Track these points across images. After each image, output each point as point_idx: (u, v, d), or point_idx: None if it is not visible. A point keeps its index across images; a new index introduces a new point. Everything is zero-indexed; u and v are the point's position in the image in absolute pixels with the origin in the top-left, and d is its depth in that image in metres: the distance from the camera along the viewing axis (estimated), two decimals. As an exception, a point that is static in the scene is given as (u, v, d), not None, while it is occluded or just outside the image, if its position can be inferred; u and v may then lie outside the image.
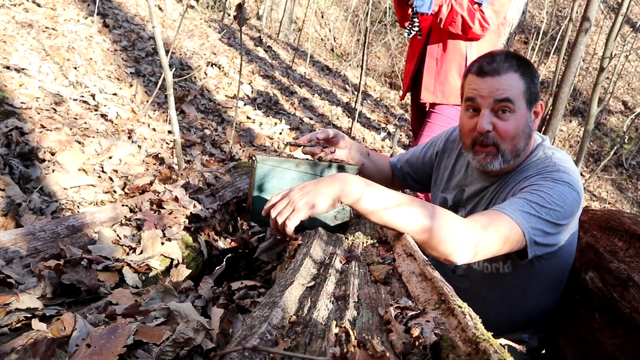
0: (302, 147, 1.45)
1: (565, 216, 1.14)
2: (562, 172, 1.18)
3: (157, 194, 1.52)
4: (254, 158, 1.33)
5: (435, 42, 2.49)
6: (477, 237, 1.02)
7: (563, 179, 1.16)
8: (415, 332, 0.55)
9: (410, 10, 2.37)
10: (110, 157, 2.32)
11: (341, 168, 1.37)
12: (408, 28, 2.44)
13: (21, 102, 2.49)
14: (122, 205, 1.43)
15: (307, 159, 1.39)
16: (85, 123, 2.65)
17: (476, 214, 1.12)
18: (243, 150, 3.47)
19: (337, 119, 5.87)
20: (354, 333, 0.53)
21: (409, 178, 1.69)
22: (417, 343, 0.53)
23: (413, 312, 0.60)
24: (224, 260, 1.24)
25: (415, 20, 2.42)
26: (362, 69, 3.76)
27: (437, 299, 0.63)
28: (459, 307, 0.58)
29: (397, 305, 0.62)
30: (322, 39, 12.50)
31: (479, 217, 1.07)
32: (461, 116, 1.33)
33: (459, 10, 2.30)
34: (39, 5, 4.20)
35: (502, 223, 1.05)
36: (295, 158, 1.40)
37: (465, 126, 1.30)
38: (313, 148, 1.43)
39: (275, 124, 4.52)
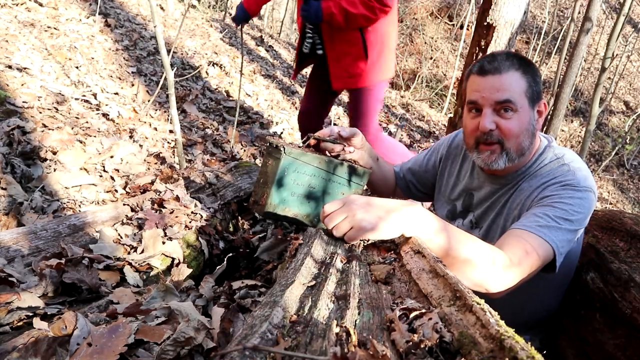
0: (323, 141, 1.38)
1: (584, 219, 1.17)
2: (578, 176, 1.19)
3: (158, 193, 1.52)
4: (279, 147, 1.23)
5: (330, 29, 2.40)
6: (520, 273, 1.06)
7: (581, 184, 1.18)
8: (420, 331, 0.55)
9: (301, 23, 2.32)
10: (111, 157, 2.32)
11: (352, 169, 1.35)
12: (307, 45, 2.39)
13: (23, 102, 2.50)
14: (124, 204, 1.43)
15: (324, 154, 1.35)
16: (87, 122, 2.65)
17: (510, 238, 1.11)
18: (244, 150, 3.47)
19: (339, 118, 5.87)
20: (354, 333, 0.53)
21: (413, 187, 1.67)
22: (421, 342, 0.53)
23: (417, 312, 0.60)
24: (225, 259, 1.24)
25: (309, 33, 2.36)
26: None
27: (452, 295, 0.63)
28: (478, 303, 0.57)
29: (402, 307, 0.62)
30: (323, 38, 12.47)
31: (515, 249, 1.07)
32: (464, 117, 1.32)
33: (356, 11, 2.24)
34: (41, 4, 4.20)
35: (535, 247, 1.07)
36: (313, 151, 1.34)
37: (469, 126, 1.29)
38: (334, 145, 1.38)
39: (277, 123, 4.52)
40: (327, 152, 1.39)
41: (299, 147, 1.33)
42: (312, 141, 1.38)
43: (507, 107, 1.21)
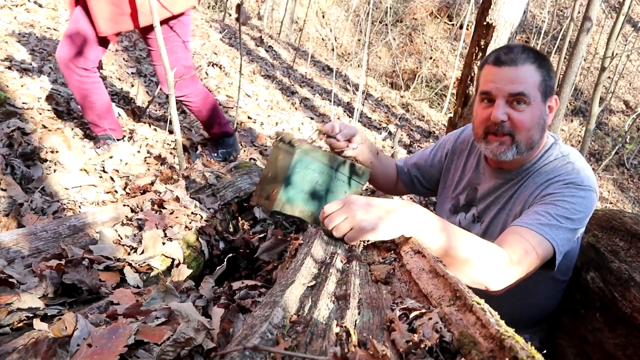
0: (329, 137, 1.38)
1: (585, 219, 1.18)
2: (582, 175, 1.20)
3: (158, 194, 1.52)
4: (292, 142, 1.22)
5: None
6: (519, 271, 1.06)
7: (584, 183, 1.18)
8: (420, 331, 0.55)
9: None
10: (111, 157, 2.32)
11: (353, 167, 1.34)
12: None
13: (23, 103, 2.50)
14: (124, 205, 1.43)
15: (327, 150, 1.34)
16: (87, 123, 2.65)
17: (511, 236, 1.11)
18: (244, 150, 3.47)
19: (338, 118, 5.87)
20: (354, 333, 0.53)
21: (417, 182, 1.66)
22: (421, 341, 0.53)
23: (417, 312, 0.60)
24: (225, 260, 1.24)
25: None
26: (363, 69, 3.76)
27: (452, 295, 0.63)
28: (478, 303, 0.57)
29: (402, 307, 0.62)
30: (323, 38, 12.50)
31: (515, 247, 1.07)
32: (475, 106, 1.33)
33: None
34: (40, 5, 4.20)
35: (535, 246, 1.08)
36: (320, 148, 1.32)
37: (479, 116, 1.29)
38: (339, 142, 1.38)
39: (277, 124, 4.52)
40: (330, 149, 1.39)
41: (308, 142, 1.32)
42: (321, 136, 1.38)
43: (520, 100, 1.21)
